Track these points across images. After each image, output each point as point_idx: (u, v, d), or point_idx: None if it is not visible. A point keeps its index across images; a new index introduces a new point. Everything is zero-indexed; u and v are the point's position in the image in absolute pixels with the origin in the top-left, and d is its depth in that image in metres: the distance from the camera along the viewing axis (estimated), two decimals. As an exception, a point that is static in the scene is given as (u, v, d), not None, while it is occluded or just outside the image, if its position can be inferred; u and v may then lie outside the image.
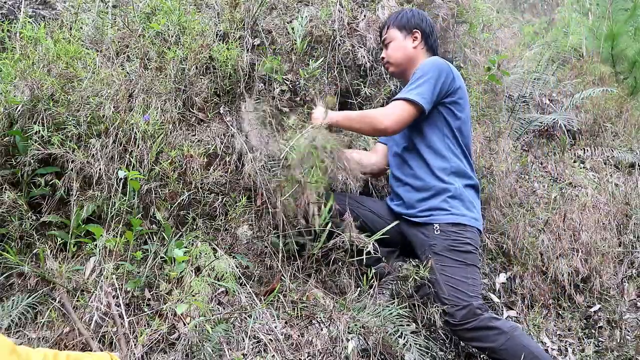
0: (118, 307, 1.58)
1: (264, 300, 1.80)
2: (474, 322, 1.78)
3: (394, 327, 1.79)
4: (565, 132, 3.50)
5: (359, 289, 1.94)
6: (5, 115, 1.79)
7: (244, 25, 2.39)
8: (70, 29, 2.15)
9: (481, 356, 1.95)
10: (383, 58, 2.22)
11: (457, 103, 2.00)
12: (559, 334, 2.31)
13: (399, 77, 2.25)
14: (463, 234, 1.89)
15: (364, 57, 2.50)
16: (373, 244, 1.89)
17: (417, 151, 2.01)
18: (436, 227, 1.90)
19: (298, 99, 2.37)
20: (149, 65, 2.11)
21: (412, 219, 1.97)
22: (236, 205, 1.98)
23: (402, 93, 1.96)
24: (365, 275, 1.95)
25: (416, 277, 1.85)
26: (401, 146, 2.08)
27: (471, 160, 2.07)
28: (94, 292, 1.59)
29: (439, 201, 1.93)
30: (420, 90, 1.92)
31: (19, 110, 1.79)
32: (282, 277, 1.91)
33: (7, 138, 1.78)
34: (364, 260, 1.90)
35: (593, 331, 2.36)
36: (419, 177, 1.99)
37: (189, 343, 1.54)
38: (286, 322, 1.76)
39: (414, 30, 2.16)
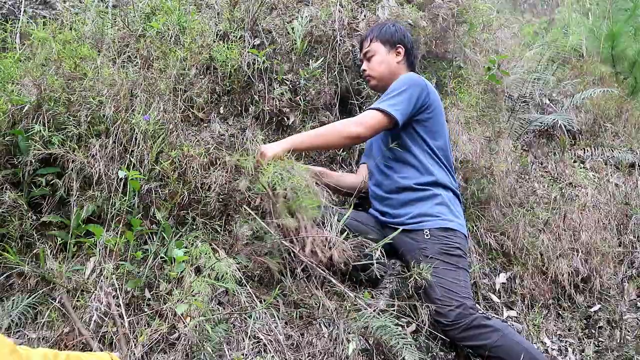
0: (118, 307, 1.58)
1: (265, 300, 1.80)
2: (467, 321, 1.79)
3: (395, 327, 1.78)
4: (565, 132, 3.50)
5: (359, 290, 1.94)
6: (8, 115, 1.79)
7: (244, 25, 2.39)
8: (71, 29, 2.15)
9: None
10: (364, 70, 2.22)
11: (432, 118, 2.03)
12: (559, 334, 2.31)
13: (379, 91, 2.25)
14: (453, 239, 1.92)
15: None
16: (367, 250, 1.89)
17: (399, 169, 2.03)
18: (426, 233, 1.92)
19: (298, 98, 2.37)
20: (150, 66, 2.11)
21: (401, 226, 1.97)
22: (236, 205, 1.98)
23: (376, 104, 1.98)
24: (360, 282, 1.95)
25: (417, 278, 1.85)
26: (382, 164, 2.09)
27: (452, 170, 2.11)
28: (94, 292, 1.59)
29: (427, 207, 1.96)
30: (394, 102, 1.95)
31: (24, 110, 1.79)
32: (282, 278, 1.91)
33: (8, 138, 1.78)
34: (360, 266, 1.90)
35: (593, 331, 2.36)
36: (402, 193, 2.01)
37: (189, 343, 1.54)
38: (286, 323, 1.76)
39: (398, 45, 2.18)
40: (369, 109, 1.99)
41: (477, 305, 1.94)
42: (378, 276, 1.94)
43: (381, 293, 1.97)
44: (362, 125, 1.92)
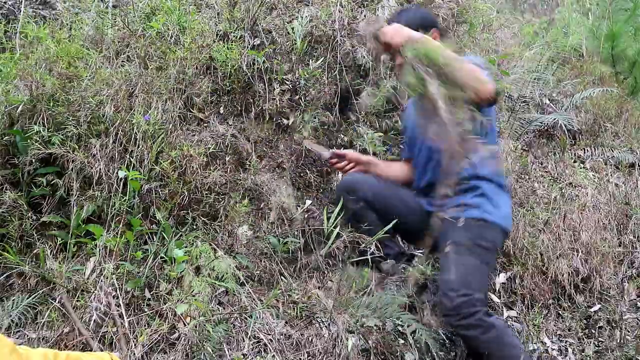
0: (118, 307, 1.58)
1: (265, 300, 1.80)
2: (468, 311, 1.74)
3: (394, 326, 1.79)
4: (565, 132, 3.49)
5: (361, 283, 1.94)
6: (6, 115, 1.79)
7: (244, 25, 2.39)
8: (70, 28, 2.15)
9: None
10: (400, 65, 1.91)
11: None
12: (559, 334, 2.31)
13: None
14: (485, 231, 1.89)
15: (363, 57, 2.50)
16: (391, 236, 1.89)
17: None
18: (461, 220, 1.86)
19: (298, 98, 2.37)
20: (149, 65, 2.11)
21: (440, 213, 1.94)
22: (236, 206, 1.98)
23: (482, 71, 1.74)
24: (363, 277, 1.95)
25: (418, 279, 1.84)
26: (433, 155, 2.02)
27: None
28: (94, 292, 1.59)
29: (467, 199, 1.93)
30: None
31: (19, 110, 1.79)
32: (282, 277, 1.91)
33: (7, 137, 1.78)
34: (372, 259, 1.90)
35: (593, 331, 2.35)
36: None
37: (189, 343, 1.54)
38: (286, 322, 1.76)
39: (433, 29, 1.97)
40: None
41: (486, 301, 1.90)
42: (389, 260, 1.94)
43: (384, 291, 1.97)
44: (490, 89, 1.65)
